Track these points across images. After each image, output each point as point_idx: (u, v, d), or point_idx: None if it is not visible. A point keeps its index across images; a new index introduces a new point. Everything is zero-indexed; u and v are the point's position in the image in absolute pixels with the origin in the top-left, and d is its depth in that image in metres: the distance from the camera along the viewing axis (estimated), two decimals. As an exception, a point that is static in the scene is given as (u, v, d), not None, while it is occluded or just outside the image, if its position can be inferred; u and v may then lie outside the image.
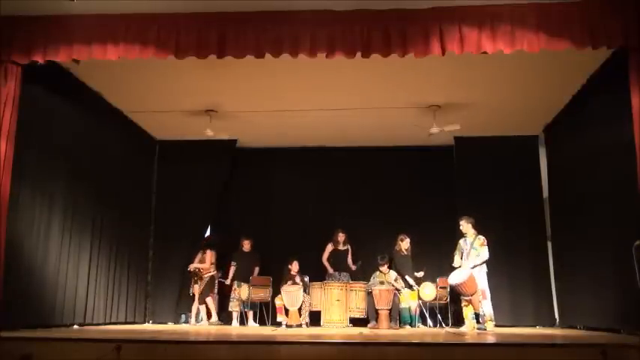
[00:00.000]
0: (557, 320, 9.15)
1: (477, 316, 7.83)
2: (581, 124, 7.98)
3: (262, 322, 9.46)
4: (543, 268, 9.56)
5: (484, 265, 7.86)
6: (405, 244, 9.09)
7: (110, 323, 8.43)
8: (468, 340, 5.67)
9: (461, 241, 8.07)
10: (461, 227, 8.08)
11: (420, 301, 9.07)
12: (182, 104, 8.72)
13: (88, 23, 6.14)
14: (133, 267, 9.30)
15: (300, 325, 8.53)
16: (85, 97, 7.97)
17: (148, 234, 9.93)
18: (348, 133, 9.85)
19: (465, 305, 7.79)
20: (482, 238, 7.92)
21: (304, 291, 8.81)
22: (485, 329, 7.59)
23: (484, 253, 7.81)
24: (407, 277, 8.89)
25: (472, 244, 7.90)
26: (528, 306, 9.34)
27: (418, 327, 8.79)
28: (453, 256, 8.10)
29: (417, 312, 9.02)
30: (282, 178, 10.67)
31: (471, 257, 7.83)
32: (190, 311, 9.44)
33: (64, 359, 4.50)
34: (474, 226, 8.04)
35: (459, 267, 7.89)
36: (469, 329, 7.67)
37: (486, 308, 7.71)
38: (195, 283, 9.27)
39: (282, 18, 6.06)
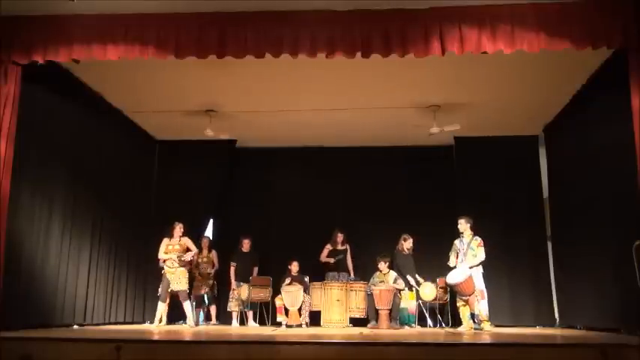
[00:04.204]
0: (557, 320, 9.15)
1: (472, 316, 7.83)
2: (581, 124, 7.98)
3: (262, 322, 9.47)
4: (543, 268, 9.58)
5: (480, 266, 7.86)
6: (407, 243, 9.07)
7: (110, 323, 8.43)
8: (468, 340, 5.67)
9: (456, 242, 8.05)
10: (459, 226, 8.05)
11: (420, 301, 9.07)
12: (182, 104, 8.72)
13: (88, 23, 6.15)
14: (133, 267, 9.30)
15: (300, 325, 8.52)
16: (85, 97, 7.97)
17: (147, 234, 9.91)
18: (348, 133, 9.85)
19: (462, 305, 7.79)
20: (479, 239, 7.90)
21: (304, 291, 8.81)
22: (482, 329, 7.58)
23: (481, 255, 7.80)
24: (408, 277, 8.89)
25: (469, 244, 7.89)
26: (528, 306, 9.35)
27: (413, 327, 8.77)
28: (449, 256, 8.10)
29: (416, 312, 9.01)
30: (282, 178, 10.66)
31: (468, 257, 7.81)
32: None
33: (64, 359, 4.49)
34: (472, 227, 8.03)
35: (455, 267, 7.88)
36: (466, 329, 7.67)
37: (483, 308, 7.70)
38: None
39: (282, 18, 6.06)
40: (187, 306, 8.23)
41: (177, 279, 8.11)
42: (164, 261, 8.20)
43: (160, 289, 8.38)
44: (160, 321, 8.25)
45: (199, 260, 9.26)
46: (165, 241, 8.28)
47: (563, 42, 5.85)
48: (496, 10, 5.93)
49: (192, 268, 8.84)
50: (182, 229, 8.37)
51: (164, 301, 8.25)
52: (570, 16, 5.84)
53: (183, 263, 8.17)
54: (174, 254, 8.14)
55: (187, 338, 5.51)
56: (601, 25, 5.81)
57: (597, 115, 7.42)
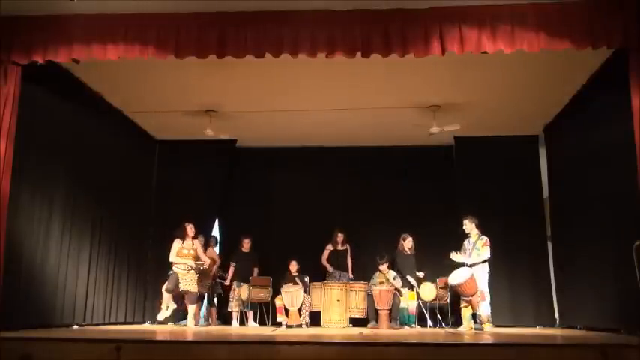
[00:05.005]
0: (557, 320, 9.15)
1: (474, 316, 7.82)
2: (581, 124, 7.98)
3: (262, 322, 9.47)
4: (543, 268, 9.58)
5: (486, 266, 7.83)
6: (407, 243, 9.07)
7: (110, 323, 8.43)
8: (468, 340, 5.67)
9: (465, 242, 8.04)
10: (464, 227, 8.05)
11: (420, 301, 9.07)
12: (182, 104, 8.72)
13: (88, 23, 6.15)
14: (133, 267, 9.30)
15: (300, 325, 8.52)
16: (85, 97, 7.97)
17: (147, 234, 9.92)
18: (348, 133, 9.85)
19: (464, 306, 7.79)
20: (484, 238, 7.88)
21: (304, 291, 8.81)
22: (482, 330, 7.58)
23: (485, 253, 7.79)
24: (408, 277, 8.88)
25: (475, 244, 7.89)
26: (528, 306, 9.35)
27: (412, 327, 8.78)
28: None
29: (416, 312, 9.00)
30: (282, 178, 10.66)
31: (473, 257, 7.81)
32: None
33: (64, 359, 4.49)
34: (478, 227, 8.02)
35: (459, 263, 7.86)
36: (467, 329, 7.67)
37: (484, 309, 7.69)
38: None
39: (282, 18, 6.06)
40: (192, 309, 8.18)
41: (187, 279, 8.05)
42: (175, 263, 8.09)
43: (167, 284, 8.16)
44: (167, 308, 8.13)
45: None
46: (178, 242, 8.14)
47: (563, 42, 5.85)
48: (496, 10, 5.93)
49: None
50: (193, 230, 8.30)
51: (171, 292, 8.09)
52: (570, 16, 5.84)
53: (198, 270, 8.16)
54: (188, 259, 8.07)
55: (187, 338, 5.52)
56: (601, 25, 5.81)
57: (597, 115, 7.42)
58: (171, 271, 8.18)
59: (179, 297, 8.29)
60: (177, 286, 8.06)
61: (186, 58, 6.14)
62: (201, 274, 8.51)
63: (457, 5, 5.93)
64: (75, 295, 7.60)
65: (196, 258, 8.17)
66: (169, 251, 8.16)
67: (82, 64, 6.70)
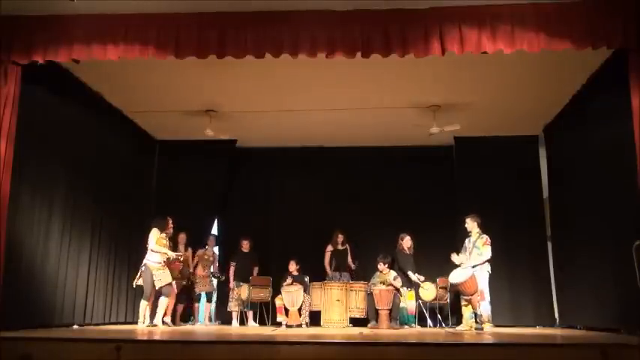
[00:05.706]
0: (557, 320, 9.15)
1: (475, 316, 7.83)
2: (581, 124, 7.98)
3: (262, 322, 9.47)
4: (543, 268, 9.58)
5: (487, 266, 7.82)
6: (406, 242, 9.07)
7: (110, 323, 8.43)
8: (468, 340, 5.67)
9: (466, 241, 8.05)
10: (466, 225, 8.05)
11: (420, 301, 9.07)
12: (182, 104, 8.73)
13: (88, 23, 6.15)
14: (133, 267, 9.26)
15: (300, 325, 8.53)
16: (85, 97, 7.97)
17: (148, 234, 9.89)
18: (348, 133, 9.85)
19: (464, 305, 7.80)
20: (485, 237, 7.88)
21: (304, 291, 8.81)
22: (482, 330, 7.58)
23: (486, 253, 7.78)
24: (409, 274, 8.87)
25: (475, 243, 7.89)
26: (528, 306, 9.36)
27: (412, 327, 8.78)
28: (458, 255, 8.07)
29: (415, 312, 9.00)
30: (282, 178, 10.68)
31: (473, 256, 7.81)
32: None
33: (64, 359, 4.49)
34: (480, 226, 8.01)
35: (460, 265, 7.86)
36: (466, 329, 7.67)
37: (484, 309, 7.69)
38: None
39: (282, 18, 6.07)
40: (163, 303, 7.83)
41: (161, 275, 7.78)
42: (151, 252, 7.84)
43: (144, 291, 7.84)
44: (143, 321, 7.80)
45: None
46: (157, 232, 7.93)
47: (563, 42, 5.85)
48: (496, 10, 5.93)
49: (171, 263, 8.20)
50: (172, 227, 8.27)
51: (148, 299, 7.82)
52: (570, 16, 5.85)
53: (176, 261, 8.07)
54: (166, 249, 7.88)
55: (187, 338, 5.51)
56: (601, 25, 5.81)
57: (597, 115, 7.42)
58: (143, 267, 7.85)
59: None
60: (154, 287, 7.80)
61: (186, 58, 6.14)
62: (181, 273, 8.36)
63: (457, 5, 5.94)
64: (75, 295, 7.60)
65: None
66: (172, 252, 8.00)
67: (82, 64, 6.70)
